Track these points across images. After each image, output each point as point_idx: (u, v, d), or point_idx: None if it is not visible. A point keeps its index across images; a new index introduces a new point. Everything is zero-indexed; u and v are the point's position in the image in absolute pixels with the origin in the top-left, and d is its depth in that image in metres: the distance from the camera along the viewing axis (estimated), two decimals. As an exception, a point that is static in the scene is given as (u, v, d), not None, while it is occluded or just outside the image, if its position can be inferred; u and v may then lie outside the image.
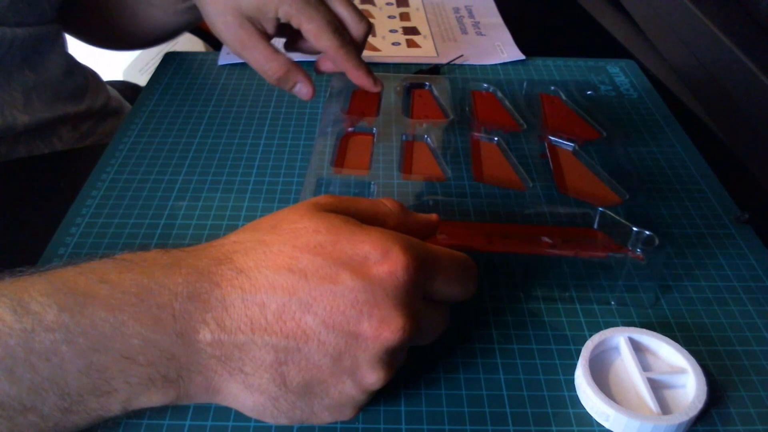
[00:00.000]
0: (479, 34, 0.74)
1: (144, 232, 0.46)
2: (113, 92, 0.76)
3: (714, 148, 0.56)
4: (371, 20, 0.58)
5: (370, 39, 0.54)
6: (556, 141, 0.49)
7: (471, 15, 0.79)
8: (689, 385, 0.35)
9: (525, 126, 0.51)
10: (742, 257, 0.45)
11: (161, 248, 0.31)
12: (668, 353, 0.37)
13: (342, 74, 0.52)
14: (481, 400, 0.35)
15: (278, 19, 0.50)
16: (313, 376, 0.29)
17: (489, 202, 0.47)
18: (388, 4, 0.82)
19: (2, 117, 0.59)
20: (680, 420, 0.33)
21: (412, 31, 0.75)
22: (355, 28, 0.51)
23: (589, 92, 0.54)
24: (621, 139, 0.49)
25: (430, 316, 0.32)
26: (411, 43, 0.72)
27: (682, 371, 0.36)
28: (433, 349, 0.35)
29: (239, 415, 0.33)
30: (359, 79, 0.52)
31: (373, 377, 0.30)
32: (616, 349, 0.38)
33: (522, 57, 0.69)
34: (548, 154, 0.48)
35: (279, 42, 0.54)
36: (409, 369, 0.35)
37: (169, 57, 0.69)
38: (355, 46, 0.51)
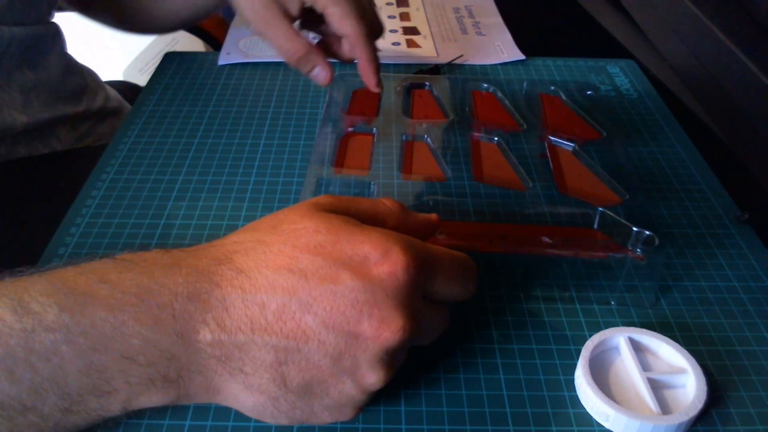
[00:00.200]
0: (479, 34, 0.74)
1: (144, 232, 0.46)
2: (113, 92, 0.76)
3: (714, 148, 0.56)
4: None
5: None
6: (556, 141, 0.49)
7: (471, 15, 0.79)
8: (689, 385, 0.35)
9: (525, 126, 0.51)
10: (742, 257, 0.45)
11: (161, 248, 0.31)
12: (668, 353, 0.37)
13: (342, 75, 0.52)
14: (481, 400, 0.35)
15: (303, 2, 0.49)
16: (313, 376, 0.29)
17: (489, 202, 0.47)
18: (388, 4, 0.82)
19: (1, 117, 0.59)
20: (680, 420, 0.33)
21: (412, 31, 0.75)
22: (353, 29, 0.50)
23: (589, 92, 0.54)
24: (621, 139, 0.49)
25: (430, 316, 0.32)
26: (411, 43, 0.72)
27: (682, 371, 0.36)
28: (433, 349, 0.35)
29: (239, 415, 0.33)
30: (367, 73, 0.51)
31: (373, 377, 0.30)
32: (616, 349, 0.38)
33: (522, 57, 0.69)
34: (548, 154, 0.48)
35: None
36: (409, 369, 0.35)
37: (169, 57, 0.69)
38: (372, 38, 0.51)
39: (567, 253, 0.40)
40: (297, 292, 0.29)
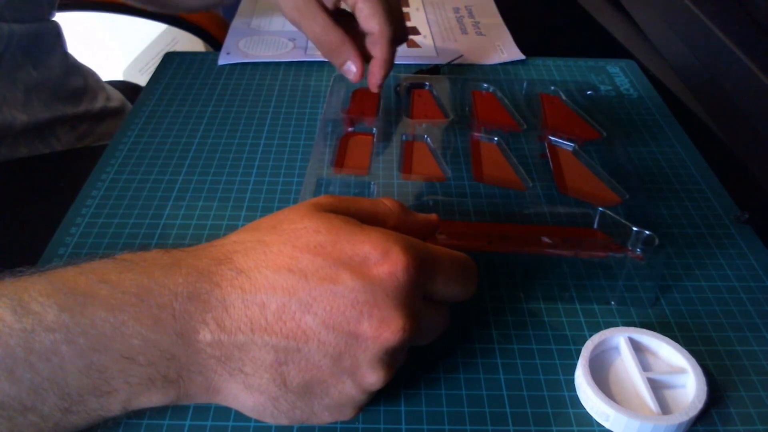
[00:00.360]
0: (479, 34, 0.74)
1: (144, 232, 0.46)
2: (114, 92, 0.76)
3: (714, 148, 0.56)
4: None
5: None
6: (556, 141, 0.49)
7: (471, 15, 0.79)
8: (689, 385, 0.35)
9: (525, 126, 0.51)
10: (742, 257, 0.45)
11: (161, 248, 0.31)
12: (668, 353, 0.37)
13: (342, 75, 0.52)
14: (481, 400, 0.35)
15: None
16: (313, 376, 0.29)
17: (489, 202, 0.47)
18: (388, 4, 0.82)
19: (2, 115, 0.59)
20: (680, 420, 0.33)
21: (412, 31, 0.75)
22: (380, 27, 0.50)
23: (589, 92, 0.54)
24: (621, 139, 0.49)
25: (430, 316, 0.32)
26: (411, 43, 0.72)
27: (682, 371, 0.36)
28: (433, 349, 0.35)
29: (239, 415, 0.33)
30: (376, 72, 0.51)
31: (373, 377, 0.30)
32: (616, 349, 0.38)
33: (522, 57, 0.69)
34: (548, 154, 0.48)
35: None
36: (409, 369, 0.35)
37: (169, 57, 0.69)
38: (396, 42, 0.51)
39: (567, 253, 0.40)
40: (297, 292, 0.29)
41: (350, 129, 0.50)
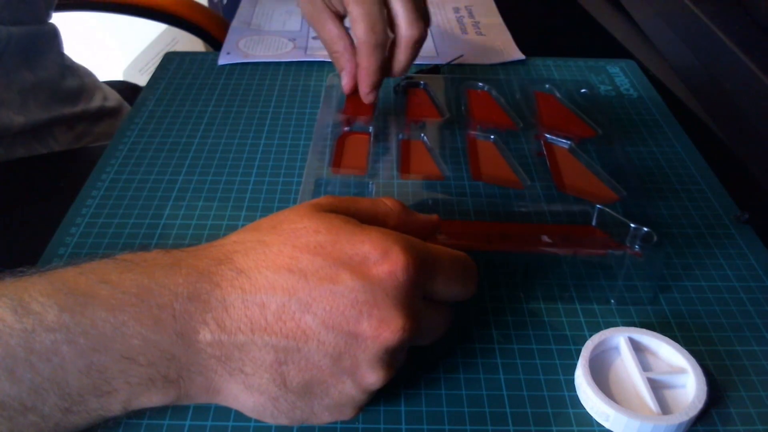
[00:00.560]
0: (479, 34, 0.74)
1: (144, 232, 0.46)
2: (111, 92, 0.76)
3: (714, 148, 0.56)
4: None
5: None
6: (552, 139, 0.49)
7: (471, 15, 0.79)
8: (689, 385, 0.35)
9: (521, 124, 0.51)
10: (742, 257, 0.45)
11: (161, 249, 0.31)
12: (668, 353, 0.37)
13: (337, 75, 0.52)
14: (481, 400, 0.35)
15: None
16: (313, 376, 0.29)
17: (488, 201, 0.47)
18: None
19: None
20: (680, 420, 0.33)
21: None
22: (405, 29, 0.47)
23: (583, 90, 0.54)
24: (617, 136, 0.49)
25: (431, 316, 0.33)
26: (411, 43, 0.72)
27: (682, 371, 0.36)
28: (433, 349, 0.35)
29: (239, 415, 0.33)
30: (360, 80, 0.50)
31: (372, 377, 0.30)
32: (616, 349, 0.38)
33: (522, 57, 0.69)
34: (545, 152, 0.48)
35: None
36: (409, 369, 0.35)
37: (169, 57, 0.69)
38: (381, 50, 0.48)
39: (566, 251, 0.40)
40: (297, 292, 0.29)
41: (347, 129, 0.50)
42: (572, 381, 0.36)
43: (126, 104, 0.77)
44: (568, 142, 0.49)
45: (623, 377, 0.36)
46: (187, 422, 0.34)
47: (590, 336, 0.37)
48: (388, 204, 0.35)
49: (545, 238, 0.40)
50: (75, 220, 0.47)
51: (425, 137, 0.50)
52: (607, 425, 0.34)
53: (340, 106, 0.52)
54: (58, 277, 0.29)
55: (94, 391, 0.28)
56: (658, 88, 0.65)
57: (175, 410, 0.34)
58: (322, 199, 0.33)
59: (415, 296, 0.31)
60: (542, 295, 0.42)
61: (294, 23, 0.76)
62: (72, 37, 0.71)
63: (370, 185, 0.45)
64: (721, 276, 0.43)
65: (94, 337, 0.27)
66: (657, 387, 0.35)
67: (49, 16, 0.64)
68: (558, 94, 0.55)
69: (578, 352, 0.36)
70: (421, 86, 0.57)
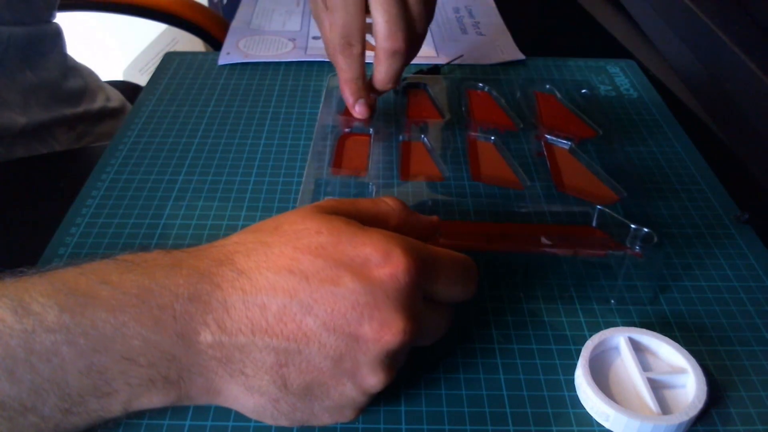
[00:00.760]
0: (479, 34, 0.74)
1: (144, 232, 0.46)
2: (113, 92, 0.76)
3: (714, 148, 0.56)
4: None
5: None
6: (552, 139, 0.49)
7: (471, 15, 0.79)
8: (689, 385, 0.35)
9: (521, 125, 0.51)
10: (742, 257, 0.45)
11: (162, 249, 0.31)
12: (668, 353, 0.37)
13: (335, 76, 0.52)
14: (481, 400, 0.35)
15: None
16: (313, 378, 0.29)
17: (488, 201, 0.47)
18: (387, 3, 0.82)
19: (0, 118, 0.59)
20: (680, 420, 0.33)
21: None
22: (381, 41, 0.45)
23: (583, 90, 0.54)
24: (617, 136, 0.49)
25: (431, 317, 0.33)
26: (411, 43, 0.72)
27: (682, 371, 0.36)
28: (433, 349, 0.35)
29: (239, 416, 0.33)
30: (345, 97, 0.49)
31: (373, 380, 0.30)
32: (616, 349, 0.38)
33: (522, 57, 0.69)
34: (545, 152, 0.48)
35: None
36: (409, 369, 0.35)
37: (169, 57, 0.69)
38: (360, 62, 0.46)
39: (566, 252, 0.40)
40: (298, 294, 0.29)
41: (347, 130, 0.50)
42: (572, 381, 0.36)
43: (129, 105, 0.77)
44: (568, 142, 0.49)
45: (623, 377, 0.36)
46: (187, 422, 0.34)
47: (590, 336, 0.37)
48: (389, 203, 0.35)
49: (545, 239, 0.40)
50: (75, 220, 0.47)
51: (425, 138, 0.50)
52: (607, 425, 0.34)
53: (340, 106, 0.52)
54: (58, 278, 0.29)
55: (94, 392, 0.28)
56: (658, 88, 0.65)
57: (175, 410, 0.35)
58: (324, 202, 0.33)
59: (416, 298, 0.31)
60: (542, 295, 0.42)
61: (294, 23, 0.76)
62: (72, 37, 0.71)
63: (370, 186, 0.45)
64: (721, 276, 0.43)
65: (94, 338, 0.27)
66: (657, 387, 0.35)
67: (51, 16, 0.64)
68: (558, 95, 0.55)
69: (578, 352, 0.36)
70: (421, 87, 0.57)
